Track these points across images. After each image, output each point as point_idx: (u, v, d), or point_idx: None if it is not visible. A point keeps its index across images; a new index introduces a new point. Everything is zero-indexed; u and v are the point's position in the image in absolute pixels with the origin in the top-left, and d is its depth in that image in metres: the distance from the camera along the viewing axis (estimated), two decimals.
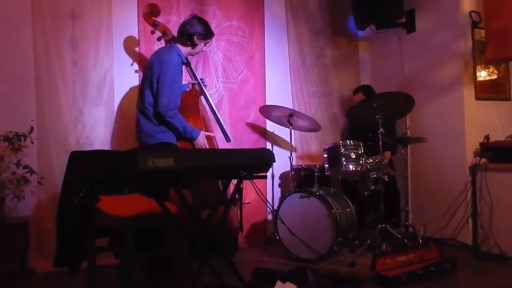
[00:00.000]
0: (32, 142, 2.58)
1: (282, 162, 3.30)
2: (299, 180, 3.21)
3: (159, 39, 2.79)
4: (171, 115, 2.47)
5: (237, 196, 2.76)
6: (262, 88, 3.59)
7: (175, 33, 2.70)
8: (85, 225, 1.95)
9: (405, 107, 2.95)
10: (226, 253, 2.05)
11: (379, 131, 2.84)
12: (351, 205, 2.90)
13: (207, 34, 2.66)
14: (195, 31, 2.59)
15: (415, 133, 3.35)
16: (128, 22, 3.04)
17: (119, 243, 1.97)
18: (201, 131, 2.61)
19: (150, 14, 2.75)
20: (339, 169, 2.86)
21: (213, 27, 3.33)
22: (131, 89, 3.02)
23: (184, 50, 2.63)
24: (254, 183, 1.88)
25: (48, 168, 2.70)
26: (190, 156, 1.67)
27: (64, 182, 2.00)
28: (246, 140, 3.48)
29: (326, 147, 2.98)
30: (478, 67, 3.16)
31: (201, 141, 2.60)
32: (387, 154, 3.25)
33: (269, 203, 3.36)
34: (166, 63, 2.46)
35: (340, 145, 2.89)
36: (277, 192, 3.58)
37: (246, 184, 2.02)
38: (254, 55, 3.55)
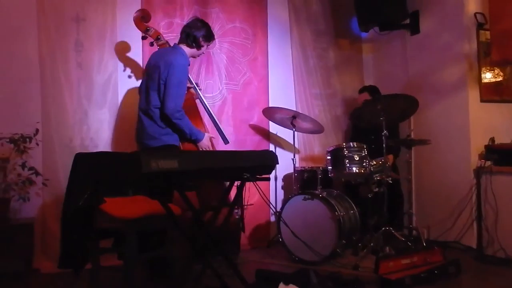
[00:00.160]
0: (37, 144, 2.60)
1: (285, 164, 3.30)
2: (302, 182, 3.21)
3: (151, 44, 2.79)
4: (178, 116, 2.46)
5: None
6: (265, 90, 3.59)
7: (173, 37, 2.70)
8: (89, 226, 1.96)
9: (409, 109, 2.93)
10: (228, 255, 2.04)
11: (383, 133, 2.83)
12: (354, 207, 2.90)
13: (211, 36, 2.70)
14: (201, 33, 2.61)
15: (419, 135, 3.33)
16: (132, 25, 3.05)
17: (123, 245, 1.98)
18: (206, 133, 2.63)
19: (141, 19, 2.75)
20: (342, 171, 2.86)
21: (216, 29, 3.35)
22: (134, 91, 3.04)
23: (188, 51, 2.64)
24: (257, 185, 1.88)
25: (53, 170, 2.72)
26: (193, 158, 1.68)
27: (68, 183, 2.02)
28: (249, 142, 3.49)
29: (330, 149, 2.98)
30: (483, 68, 3.14)
31: (205, 143, 2.60)
32: (390, 157, 3.24)
33: (272, 205, 3.35)
34: (175, 65, 2.46)
35: (343, 147, 2.89)
36: (280, 194, 3.58)
37: (249, 186, 2.02)
38: (257, 57, 3.56)
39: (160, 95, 2.48)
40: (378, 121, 2.83)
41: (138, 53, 3.08)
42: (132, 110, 2.90)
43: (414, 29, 3.56)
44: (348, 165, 2.82)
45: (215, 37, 2.89)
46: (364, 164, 2.83)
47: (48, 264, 2.60)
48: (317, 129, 3.38)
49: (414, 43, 3.58)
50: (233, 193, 2.07)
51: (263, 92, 3.58)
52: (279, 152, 3.58)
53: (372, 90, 3.54)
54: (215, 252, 2.09)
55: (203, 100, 2.90)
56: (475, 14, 3.11)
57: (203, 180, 2.34)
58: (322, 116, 3.75)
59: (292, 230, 2.64)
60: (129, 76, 3.05)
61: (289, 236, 2.71)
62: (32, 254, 2.55)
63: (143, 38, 2.82)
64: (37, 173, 2.58)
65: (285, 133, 3.57)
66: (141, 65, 3.08)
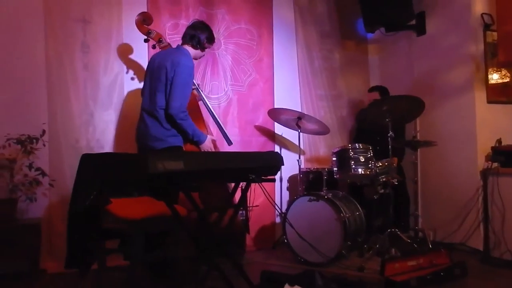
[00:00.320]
0: (44, 145, 2.62)
1: (290, 165, 3.30)
2: (308, 183, 3.20)
3: (153, 47, 2.80)
4: (182, 117, 2.46)
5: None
6: (271, 91, 3.59)
7: (179, 38, 2.71)
8: (95, 227, 1.97)
9: (415, 110, 2.92)
10: (234, 256, 2.05)
11: (389, 135, 2.82)
12: (360, 208, 2.89)
13: (213, 38, 2.73)
14: (205, 35, 2.63)
15: (425, 136, 3.31)
16: None
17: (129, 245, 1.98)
18: (208, 135, 2.63)
19: (142, 22, 2.76)
20: (348, 172, 2.85)
21: (221, 30, 3.37)
22: (140, 92, 3.05)
23: (193, 52, 2.64)
24: (263, 186, 1.88)
25: (59, 170, 2.74)
26: (199, 159, 1.68)
27: (75, 184, 2.03)
28: (255, 143, 3.49)
29: (335, 150, 2.97)
30: (490, 70, 3.12)
31: (208, 144, 2.60)
32: (394, 160, 3.21)
33: (278, 206, 3.35)
34: (182, 65, 2.46)
35: (349, 148, 2.88)
36: (286, 195, 3.57)
37: (255, 187, 2.02)
38: (263, 58, 3.56)
39: (166, 96, 2.48)
40: (384, 122, 2.82)
41: (144, 54, 3.09)
42: (138, 111, 2.92)
43: (420, 30, 3.54)
44: (353, 166, 2.81)
45: (221, 38, 2.90)
46: (370, 165, 2.82)
47: (54, 264, 2.61)
48: (323, 130, 3.38)
49: (420, 44, 3.56)
50: (238, 194, 2.07)
51: (268, 93, 3.58)
52: (285, 153, 3.58)
53: (382, 90, 3.51)
54: (220, 253, 2.09)
55: (205, 101, 2.89)
56: (482, 15, 3.09)
57: (209, 181, 2.35)
58: (328, 117, 3.74)
59: (297, 231, 2.63)
60: (132, 78, 3.06)
61: (294, 237, 2.70)
62: (39, 254, 2.56)
63: (145, 40, 2.83)
64: (43, 174, 2.60)
65: (290, 134, 3.57)
66: (146, 66, 3.09)
